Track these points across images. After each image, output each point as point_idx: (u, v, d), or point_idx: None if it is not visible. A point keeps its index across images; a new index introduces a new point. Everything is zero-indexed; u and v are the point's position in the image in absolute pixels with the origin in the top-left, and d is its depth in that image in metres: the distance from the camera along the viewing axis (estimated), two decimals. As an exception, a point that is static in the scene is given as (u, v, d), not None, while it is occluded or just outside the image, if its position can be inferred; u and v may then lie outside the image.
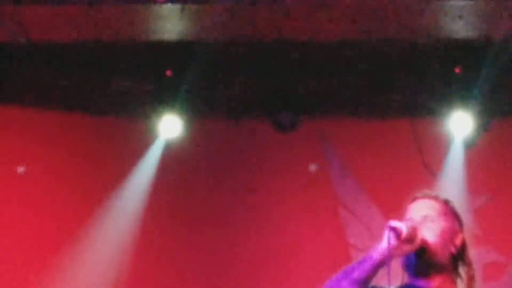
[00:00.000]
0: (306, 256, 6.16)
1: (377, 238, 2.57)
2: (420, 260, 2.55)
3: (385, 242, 2.45)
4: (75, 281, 5.99)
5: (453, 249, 2.63)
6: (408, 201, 2.75)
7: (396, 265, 2.60)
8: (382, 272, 2.51)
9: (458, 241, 2.65)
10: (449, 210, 2.69)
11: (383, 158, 6.27)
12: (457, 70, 5.88)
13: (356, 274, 2.47)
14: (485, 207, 6.13)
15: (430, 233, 2.58)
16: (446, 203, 2.72)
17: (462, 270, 2.66)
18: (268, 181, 6.38)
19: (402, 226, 2.48)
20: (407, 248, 2.50)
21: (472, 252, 5.92)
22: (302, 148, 6.38)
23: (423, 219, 2.61)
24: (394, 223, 2.48)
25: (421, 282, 2.59)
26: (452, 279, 2.63)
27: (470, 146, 6.11)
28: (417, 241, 2.52)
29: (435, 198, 2.71)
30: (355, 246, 6.05)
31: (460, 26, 5.23)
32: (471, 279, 2.64)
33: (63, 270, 5.95)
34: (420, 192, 2.75)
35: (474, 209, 6.12)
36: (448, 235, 2.63)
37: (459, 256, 2.66)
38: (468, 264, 2.67)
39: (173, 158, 6.22)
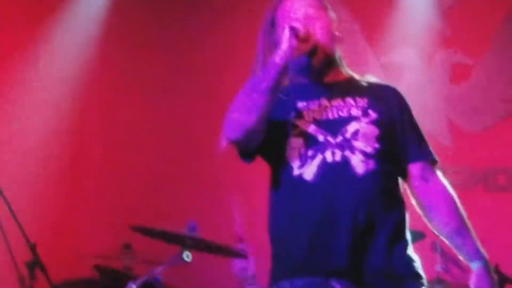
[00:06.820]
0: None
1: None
2: (314, 60, 2.57)
3: (286, 43, 2.45)
4: (14, 124, 5.54)
5: (337, 40, 2.67)
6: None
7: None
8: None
9: (337, 32, 2.67)
10: (323, 4, 2.69)
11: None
12: None
13: (264, 85, 2.42)
14: (454, 8, 5.92)
15: (318, 31, 2.58)
16: None
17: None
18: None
19: (299, 25, 2.49)
20: (304, 47, 2.52)
21: (441, 52, 5.93)
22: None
23: (306, 17, 2.59)
24: (294, 23, 2.49)
25: (316, 81, 2.64)
26: (341, 69, 2.68)
27: None
28: (311, 41, 2.53)
29: None
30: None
31: None
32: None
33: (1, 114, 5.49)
34: None
35: (444, 9, 5.96)
36: (331, 29, 2.64)
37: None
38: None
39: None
